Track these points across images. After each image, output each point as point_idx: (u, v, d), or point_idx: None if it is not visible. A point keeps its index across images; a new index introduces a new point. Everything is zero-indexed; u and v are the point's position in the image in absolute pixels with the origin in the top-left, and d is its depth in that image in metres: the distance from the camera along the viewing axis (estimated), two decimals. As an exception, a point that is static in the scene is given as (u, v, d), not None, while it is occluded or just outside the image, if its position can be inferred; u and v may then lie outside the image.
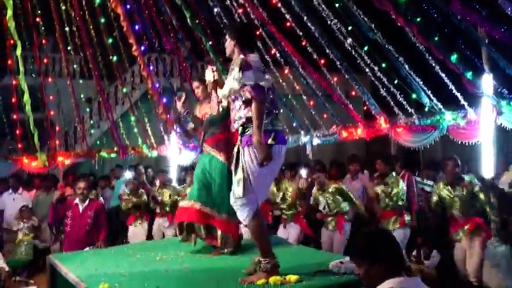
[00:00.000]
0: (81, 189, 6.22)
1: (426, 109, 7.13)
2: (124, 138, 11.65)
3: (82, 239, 6.04)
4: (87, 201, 6.20)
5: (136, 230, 7.69)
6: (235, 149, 3.46)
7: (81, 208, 6.16)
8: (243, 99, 3.32)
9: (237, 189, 3.36)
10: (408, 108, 7.60)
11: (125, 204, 7.70)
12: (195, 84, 4.82)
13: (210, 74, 4.11)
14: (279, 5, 8.16)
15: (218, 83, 4.12)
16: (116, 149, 11.30)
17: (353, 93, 9.39)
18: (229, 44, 3.56)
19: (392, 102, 7.77)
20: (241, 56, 3.37)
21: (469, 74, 6.01)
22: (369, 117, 8.60)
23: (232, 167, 3.48)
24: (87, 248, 5.89)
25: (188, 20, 8.71)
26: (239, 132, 3.44)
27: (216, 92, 4.09)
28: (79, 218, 6.13)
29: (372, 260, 2.21)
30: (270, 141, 3.27)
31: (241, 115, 3.38)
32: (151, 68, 12.34)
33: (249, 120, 3.33)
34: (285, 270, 3.45)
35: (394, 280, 2.15)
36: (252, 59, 3.36)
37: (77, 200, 6.24)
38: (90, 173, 11.23)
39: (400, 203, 6.17)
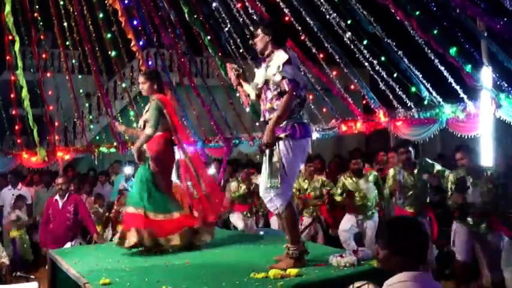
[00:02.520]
0: (59, 185, 6.26)
1: (425, 102, 7.13)
2: (123, 133, 11.63)
3: (63, 235, 6.08)
4: (66, 197, 6.22)
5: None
6: None
7: (60, 204, 6.20)
8: (278, 90, 3.43)
9: (274, 180, 3.40)
10: (407, 101, 7.59)
11: None
12: (141, 79, 4.76)
13: (233, 72, 3.96)
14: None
15: (242, 79, 3.99)
16: (115, 144, 11.29)
17: (352, 87, 9.36)
18: (261, 39, 3.62)
19: (391, 96, 7.76)
20: (282, 52, 3.46)
21: (468, 67, 6.00)
22: (368, 111, 8.59)
23: (266, 158, 3.51)
24: (68, 243, 5.91)
25: (186, 15, 8.68)
26: None
27: (242, 88, 3.97)
28: (59, 214, 6.16)
29: (397, 251, 2.19)
30: (282, 135, 3.39)
31: (274, 106, 3.47)
32: (150, 63, 12.26)
33: None
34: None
35: (409, 274, 2.14)
36: (292, 55, 3.48)
37: (56, 197, 6.27)
38: (90, 168, 11.23)
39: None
